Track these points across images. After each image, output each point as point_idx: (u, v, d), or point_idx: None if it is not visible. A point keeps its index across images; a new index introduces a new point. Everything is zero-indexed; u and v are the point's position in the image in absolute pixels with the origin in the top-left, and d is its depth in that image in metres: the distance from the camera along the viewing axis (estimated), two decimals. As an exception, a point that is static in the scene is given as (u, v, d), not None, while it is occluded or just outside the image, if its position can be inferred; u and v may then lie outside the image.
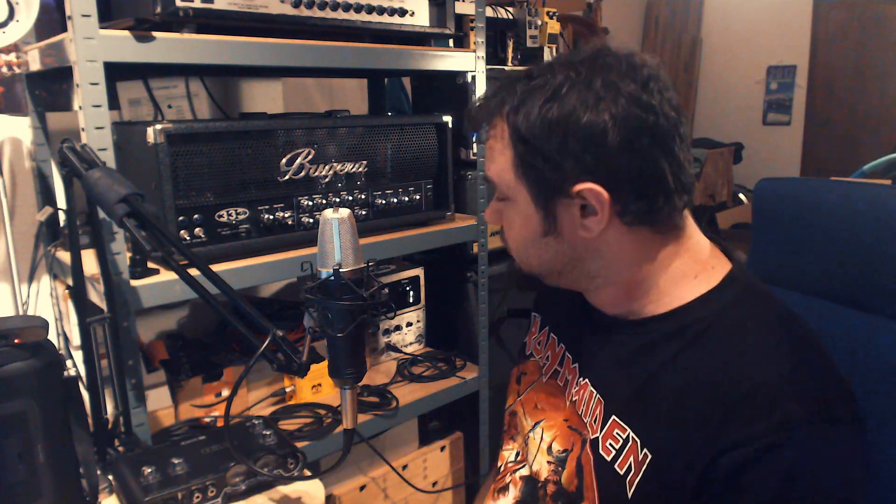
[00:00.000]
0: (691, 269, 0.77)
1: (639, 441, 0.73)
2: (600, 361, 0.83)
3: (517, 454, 0.93)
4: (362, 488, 1.64)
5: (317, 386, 1.58)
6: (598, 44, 0.76)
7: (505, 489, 0.92)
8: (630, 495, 0.72)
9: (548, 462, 0.85)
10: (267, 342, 0.82)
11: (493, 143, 0.77)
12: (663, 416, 0.72)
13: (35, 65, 1.35)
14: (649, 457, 0.71)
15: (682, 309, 0.76)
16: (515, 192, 0.77)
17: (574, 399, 0.84)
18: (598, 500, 0.76)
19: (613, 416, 0.76)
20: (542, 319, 1.00)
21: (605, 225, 0.73)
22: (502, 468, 0.94)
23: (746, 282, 0.78)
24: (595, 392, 0.81)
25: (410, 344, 1.88)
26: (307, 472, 1.02)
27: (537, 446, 0.88)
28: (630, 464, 0.73)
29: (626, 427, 0.75)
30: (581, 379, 0.84)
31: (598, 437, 0.77)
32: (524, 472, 0.89)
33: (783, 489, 0.64)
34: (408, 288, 1.84)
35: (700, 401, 0.69)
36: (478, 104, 0.80)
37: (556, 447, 0.84)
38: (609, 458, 0.75)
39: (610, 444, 0.76)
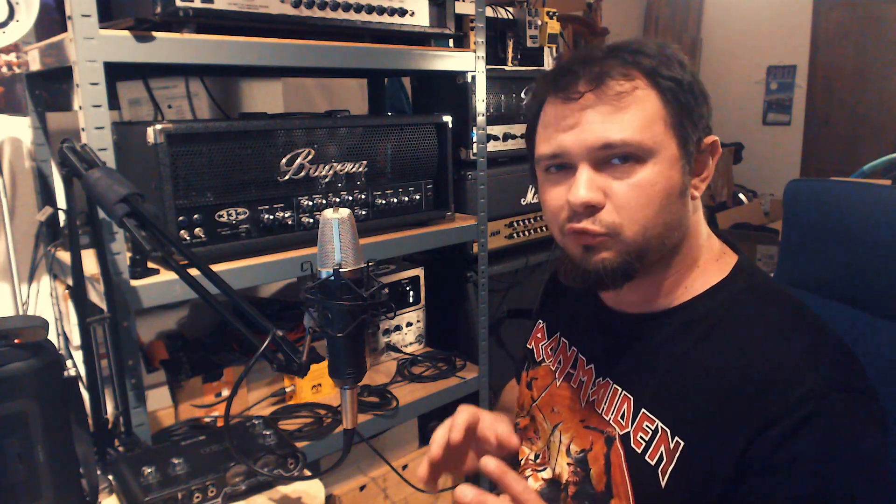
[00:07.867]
0: (713, 254, 0.81)
1: (668, 430, 0.74)
2: (625, 360, 0.83)
3: (537, 456, 0.94)
4: (362, 488, 1.64)
5: (317, 386, 1.58)
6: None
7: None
8: (664, 485, 0.72)
9: (567, 464, 0.86)
10: (267, 342, 0.82)
11: (628, 98, 0.72)
12: (691, 404, 0.73)
13: (35, 65, 1.35)
14: (682, 444, 0.72)
15: (696, 300, 0.79)
16: (661, 145, 0.72)
17: (592, 399, 0.85)
18: (631, 493, 0.76)
19: (643, 410, 0.77)
20: (549, 325, 1.00)
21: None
22: (522, 462, 0.95)
23: (752, 271, 0.81)
24: (620, 389, 0.82)
25: (410, 344, 1.88)
26: (307, 472, 1.02)
27: (558, 449, 0.89)
28: (661, 453, 0.73)
29: (654, 419, 0.76)
30: (600, 379, 0.85)
31: (628, 432, 0.78)
32: (546, 474, 0.90)
33: (821, 459, 0.65)
34: (408, 288, 1.84)
35: (726, 384, 0.70)
36: (597, 60, 0.74)
37: (573, 448, 0.85)
38: (640, 451, 0.76)
39: (640, 437, 0.77)
